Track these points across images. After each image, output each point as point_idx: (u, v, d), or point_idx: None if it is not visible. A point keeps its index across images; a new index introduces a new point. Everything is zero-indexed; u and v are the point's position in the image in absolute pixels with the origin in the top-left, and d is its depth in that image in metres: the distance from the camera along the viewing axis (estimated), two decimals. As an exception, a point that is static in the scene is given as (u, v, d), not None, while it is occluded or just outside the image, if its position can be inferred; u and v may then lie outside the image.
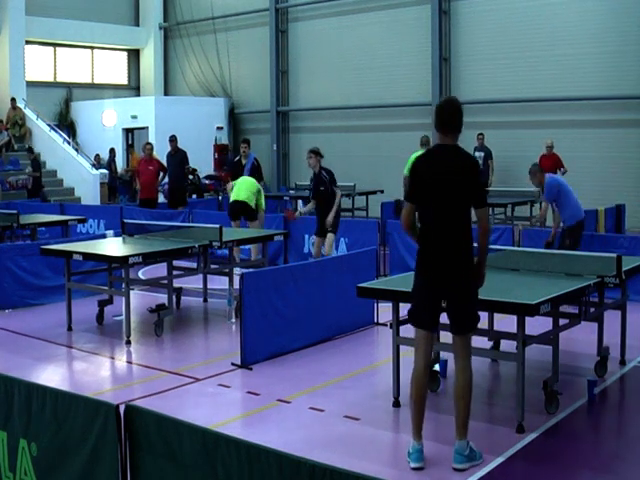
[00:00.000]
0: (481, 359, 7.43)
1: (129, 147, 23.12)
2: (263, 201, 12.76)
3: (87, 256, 9.14)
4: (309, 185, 11.42)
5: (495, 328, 7.38)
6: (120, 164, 23.14)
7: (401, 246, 12.34)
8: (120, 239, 10.28)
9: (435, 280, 5.21)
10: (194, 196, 20.53)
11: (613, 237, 11.50)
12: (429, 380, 6.81)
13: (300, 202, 18.24)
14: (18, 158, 21.61)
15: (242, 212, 12.50)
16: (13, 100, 22.51)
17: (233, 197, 12.59)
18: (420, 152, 13.82)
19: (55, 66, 25.49)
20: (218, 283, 10.65)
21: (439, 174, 5.17)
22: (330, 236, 11.20)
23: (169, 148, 16.55)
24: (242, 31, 24.56)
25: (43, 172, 22.30)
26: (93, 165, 22.38)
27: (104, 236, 11.44)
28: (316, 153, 11.11)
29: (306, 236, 13.35)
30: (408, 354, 7.12)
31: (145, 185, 16.30)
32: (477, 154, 17.32)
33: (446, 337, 7.29)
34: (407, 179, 13.68)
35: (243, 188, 12.51)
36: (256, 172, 14.23)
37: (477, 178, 5.25)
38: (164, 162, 16.53)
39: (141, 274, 12.47)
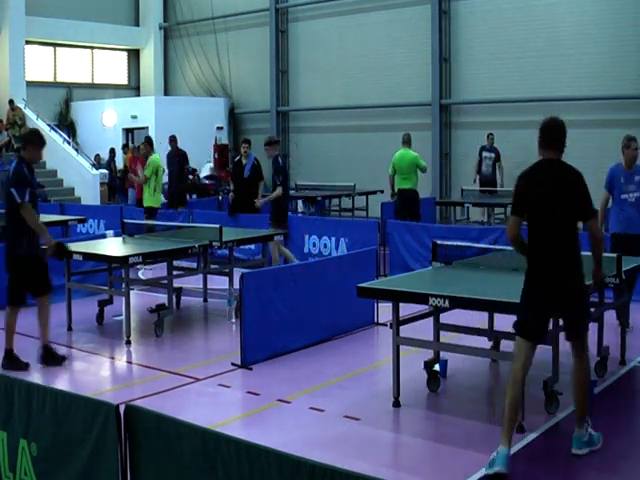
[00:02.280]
0: (481, 359, 7.44)
1: (124, 147, 23.12)
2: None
3: (87, 256, 9.13)
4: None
5: (495, 328, 7.38)
6: (120, 164, 23.14)
7: (401, 246, 12.35)
8: (120, 239, 10.28)
9: (547, 295, 5.29)
10: (194, 196, 20.54)
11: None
12: (429, 380, 6.84)
13: (300, 202, 18.25)
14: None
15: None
16: (11, 102, 22.50)
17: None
18: (402, 150, 14.02)
19: (55, 66, 25.49)
20: (218, 283, 10.65)
21: (545, 188, 5.26)
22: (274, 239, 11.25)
23: (169, 148, 16.55)
24: (242, 31, 24.56)
25: (43, 172, 22.34)
26: (93, 165, 22.38)
27: (104, 236, 11.44)
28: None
29: (306, 236, 13.36)
30: (408, 354, 7.14)
31: (140, 186, 16.29)
32: (486, 154, 17.20)
33: (446, 337, 7.32)
34: (392, 178, 14.00)
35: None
36: (256, 172, 14.22)
37: (583, 190, 5.31)
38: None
39: (141, 274, 12.47)
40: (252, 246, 13.11)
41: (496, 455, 5.06)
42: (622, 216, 8.84)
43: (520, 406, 5.43)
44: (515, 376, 5.32)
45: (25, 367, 7.75)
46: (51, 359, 7.91)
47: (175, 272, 9.65)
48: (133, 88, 27.17)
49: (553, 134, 5.40)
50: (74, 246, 9.62)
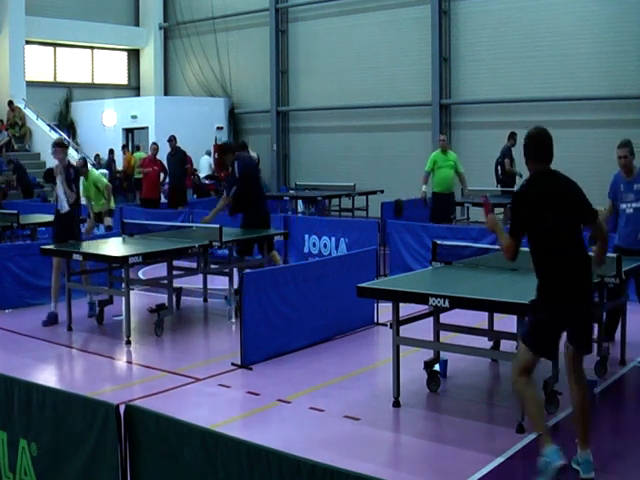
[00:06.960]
0: (481, 359, 7.44)
1: (123, 147, 23.11)
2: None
3: (87, 256, 9.13)
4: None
5: (495, 328, 7.38)
6: (120, 164, 23.14)
7: (401, 246, 12.34)
8: (120, 239, 10.28)
9: (564, 310, 5.04)
10: (194, 196, 20.54)
11: (613, 237, 11.46)
12: (429, 380, 6.84)
13: (300, 202, 18.25)
14: (18, 158, 21.59)
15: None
16: (10, 102, 22.49)
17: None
18: (439, 151, 14.12)
19: (55, 66, 25.50)
20: (218, 283, 10.65)
21: (550, 198, 5.03)
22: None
23: (169, 149, 16.57)
24: (242, 31, 24.57)
25: (43, 172, 22.32)
26: (93, 165, 22.34)
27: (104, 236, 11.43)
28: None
29: (306, 236, 13.36)
30: (408, 354, 7.14)
31: (148, 185, 16.33)
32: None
33: (446, 337, 7.32)
34: (426, 175, 13.97)
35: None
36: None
37: (583, 196, 5.12)
38: (164, 163, 16.56)
39: (141, 274, 12.47)
40: (252, 246, 13.08)
41: (549, 453, 4.76)
42: (623, 231, 8.16)
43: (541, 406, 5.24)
44: (530, 393, 5.11)
45: None
46: None
47: (175, 272, 9.65)
48: (133, 88, 27.17)
49: (548, 147, 5.10)
50: (74, 246, 9.61)
